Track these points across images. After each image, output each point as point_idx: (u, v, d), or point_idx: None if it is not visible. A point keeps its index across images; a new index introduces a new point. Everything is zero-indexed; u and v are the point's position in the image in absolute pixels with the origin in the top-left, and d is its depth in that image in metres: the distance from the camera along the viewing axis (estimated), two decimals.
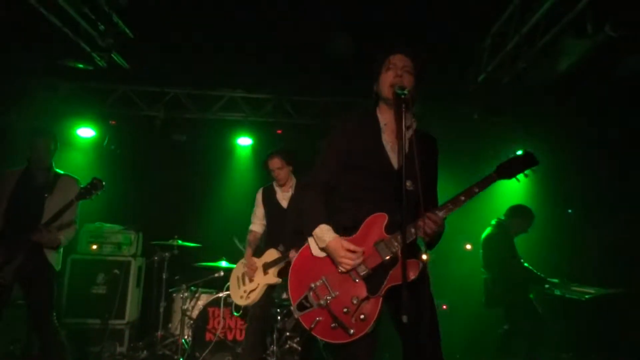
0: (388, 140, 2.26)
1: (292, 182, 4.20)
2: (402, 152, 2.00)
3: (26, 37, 4.60)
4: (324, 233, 2.13)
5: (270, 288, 4.03)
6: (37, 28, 4.28)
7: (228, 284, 4.47)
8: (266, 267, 4.01)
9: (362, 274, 2.09)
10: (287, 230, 3.98)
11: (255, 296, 3.98)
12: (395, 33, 4.61)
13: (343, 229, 2.17)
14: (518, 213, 4.77)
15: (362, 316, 2.04)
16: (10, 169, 3.76)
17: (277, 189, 4.21)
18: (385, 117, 2.31)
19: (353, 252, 2.08)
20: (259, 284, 4.01)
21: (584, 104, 5.25)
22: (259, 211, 4.27)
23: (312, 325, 2.08)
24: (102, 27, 4.53)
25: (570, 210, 5.97)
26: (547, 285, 4.73)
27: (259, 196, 4.28)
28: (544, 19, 4.01)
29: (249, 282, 4.10)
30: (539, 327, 4.48)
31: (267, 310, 4.06)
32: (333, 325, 2.06)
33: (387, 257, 2.08)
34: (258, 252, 4.21)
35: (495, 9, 4.50)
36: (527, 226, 4.77)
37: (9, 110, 5.73)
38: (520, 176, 2.17)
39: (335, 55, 4.91)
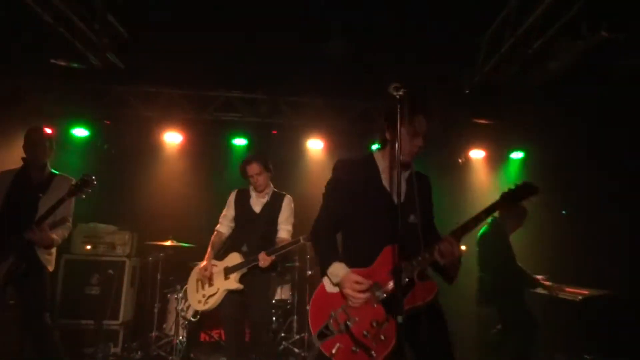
0: (387, 179, 2.38)
1: (270, 189, 4.07)
2: (398, 155, 2.03)
3: (20, 35, 4.58)
4: (338, 269, 2.23)
5: (232, 293, 3.78)
6: (32, 27, 4.26)
7: (186, 286, 4.23)
8: (227, 271, 3.79)
9: (380, 299, 2.18)
10: (256, 235, 3.86)
11: (214, 302, 3.76)
12: (391, 34, 4.62)
13: (355, 266, 2.26)
14: (511, 210, 4.75)
15: (382, 337, 2.11)
16: (5, 169, 3.74)
17: (252, 193, 4.05)
18: (385, 161, 2.42)
19: (359, 283, 2.15)
20: (218, 289, 3.79)
21: (580, 104, 5.27)
22: (229, 213, 4.08)
23: (333, 352, 2.14)
24: (97, 27, 4.51)
25: (564, 212, 6.00)
26: (538, 288, 4.74)
27: (232, 198, 4.12)
28: (539, 20, 4.03)
29: (208, 286, 3.87)
30: (532, 329, 4.48)
31: (238, 310, 3.80)
32: (354, 349, 2.13)
33: (403, 281, 2.15)
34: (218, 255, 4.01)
35: (491, 11, 4.52)
36: (521, 222, 4.75)
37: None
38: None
39: (331, 55, 4.91)
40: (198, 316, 4.43)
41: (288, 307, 5.33)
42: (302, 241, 3.73)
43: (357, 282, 2.15)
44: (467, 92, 5.44)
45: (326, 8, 4.36)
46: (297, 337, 5.19)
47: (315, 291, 2.34)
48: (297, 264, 5.46)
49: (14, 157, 3.83)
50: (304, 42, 4.85)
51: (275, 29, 4.73)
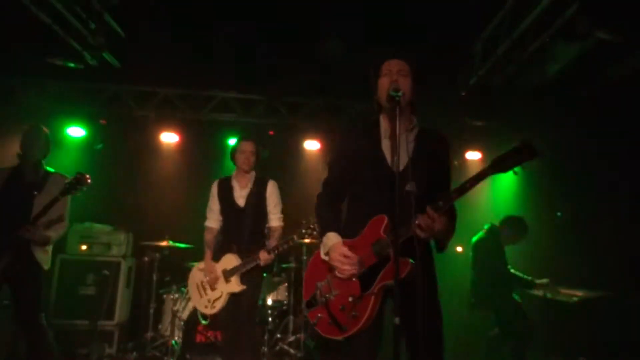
0: (388, 145, 2.29)
1: (253, 176, 3.95)
2: (397, 154, 1.99)
3: (16, 34, 4.55)
4: (329, 239, 2.26)
5: (235, 295, 3.75)
6: (27, 25, 4.24)
7: (188, 288, 4.18)
8: (227, 274, 3.77)
9: (358, 273, 2.17)
10: (244, 232, 3.79)
11: (220, 305, 3.76)
12: (386, 36, 4.63)
13: (348, 236, 2.27)
14: (512, 224, 4.79)
15: (354, 314, 2.13)
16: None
17: (234, 184, 3.93)
18: (387, 123, 2.36)
19: (347, 257, 2.16)
20: (222, 293, 3.77)
21: (576, 107, 5.30)
22: (214, 205, 3.97)
23: (315, 321, 2.28)
24: (93, 26, 4.50)
25: (559, 214, 6.02)
26: (534, 289, 4.76)
27: (215, 189, 4.00)
28: (535, 23, 4.05)
29: (210, 290, 3.84)
30: (528, 328, 4.50)
31: (235, 312, 3.79)
32: (330, 322, 2.20)
33: (381, 257, 2.13)
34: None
35: (487, 14, 4.54)
36: (518, 239, 4.80)
37: None
38: (518, 168, 2.03)
39: (327, 56, 4.91)
40: (208, 319, 4.38)
41: (284, 307, 5.32)
42: (296, 239, 3.66)
43: (345, 256, 2.15)
44: (463, 94, 5.46)
45: (322, 8, 4.36)
46: (293, 338, 5.17)
47: (313, 256, 2.41)
48: (293, 264, 5.45)
49: (9, 155, 3.81)
50: (300, 42, 4.85)
51: (271, 29, 4.73)
